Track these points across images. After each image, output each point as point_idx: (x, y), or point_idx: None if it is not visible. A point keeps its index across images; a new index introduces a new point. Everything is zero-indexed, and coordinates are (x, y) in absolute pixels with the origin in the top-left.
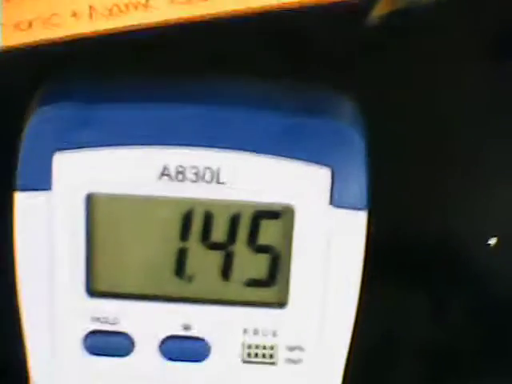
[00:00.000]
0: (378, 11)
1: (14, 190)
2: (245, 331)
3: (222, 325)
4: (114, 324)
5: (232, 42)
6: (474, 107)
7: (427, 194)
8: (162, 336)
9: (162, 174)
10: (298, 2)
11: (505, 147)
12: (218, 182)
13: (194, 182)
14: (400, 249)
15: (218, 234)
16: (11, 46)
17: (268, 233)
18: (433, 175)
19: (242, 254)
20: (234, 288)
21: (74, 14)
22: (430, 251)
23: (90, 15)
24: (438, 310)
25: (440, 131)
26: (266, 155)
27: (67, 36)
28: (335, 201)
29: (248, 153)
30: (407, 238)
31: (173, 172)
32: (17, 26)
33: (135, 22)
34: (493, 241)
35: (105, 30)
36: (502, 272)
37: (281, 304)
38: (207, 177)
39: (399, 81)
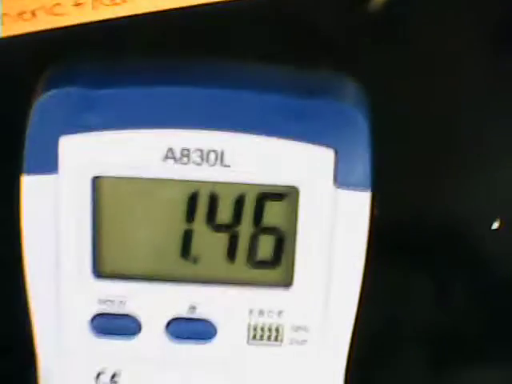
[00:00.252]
0: None
1: (21, 173)
2: (250, 312)
3: (228, 306)
4: (120, 306)
5: (236, 27)
6: (477, 91)
7: (430, 176)
8: (168, 317)
9: (167, 157)
10: None
11: (508, 130)
12: (223, 164)
13: (199, 164)
14: (403, 232)
15: (223, 215)
16: (14, 36)
17: (273, 214)
18: (436, 158)
19: (247, 235)
20: (240, 269)
21: (77, 4)
22: (433, 234)
23: (93, 4)
24: (441, 293)
25: (443, 114)
26: (270, 137)
27: (70, 25)
28: (339, 181)
29: (252, 135)
30: (410, 221)
31: (178, 154)
32: (20, 16)
33: (138, 10)
34: (496, 224)
35: (108, 18)
36: (505, 255)
37: (286, 284)
38: (212, 159)
39: (401, 65)
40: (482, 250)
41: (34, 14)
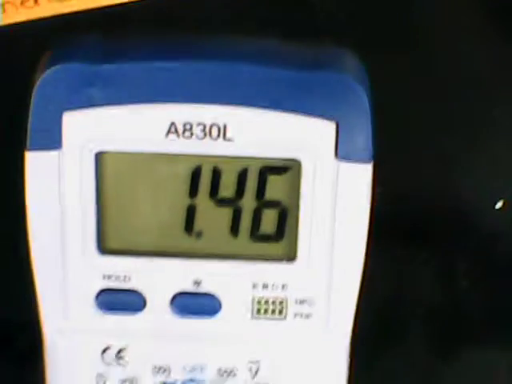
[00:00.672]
0: None
1: (25, 149)
2: (254, 286)
3: (232, 280)
4: (125, 281)
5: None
6: (480, 67)
7: (433, 156)
8: (173, 292)
9: (170, 131)
10: None
11: None
12: (225, 138)
13: (201, 138)
14: (405, 211)
15: (226, 189)
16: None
17: (275, 187)
18: (439, 136)
19: (250, 210)
20: (243, 243)
21: None
22: (437, 214)
23: None
24: (444, 273)
25: (445, 91)
26: (272, 110)
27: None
28: (340, 154)
29: (254, 108)
30: (413, 201)
31: (180, 129)
32: (22, 4)
33: None
34: (499, 204)
35: (110, 4)
36: (509, 235)
37: (289, 258)
38: (214, 133)
39: (401, 38)
40: (487, 230)
41: (36, 1)
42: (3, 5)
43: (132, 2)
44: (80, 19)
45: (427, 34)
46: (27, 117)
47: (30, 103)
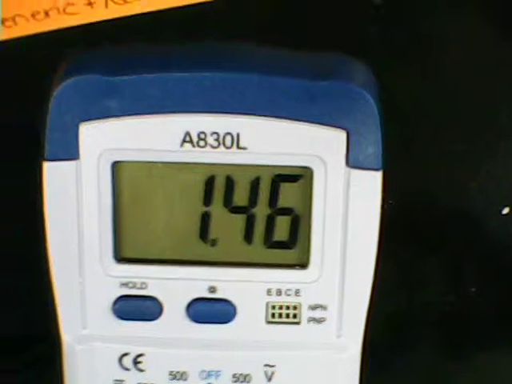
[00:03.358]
0: None
1: (42, 160)
2: (268, 292)
3: (247, 286)
4: (141, 289)
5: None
6: (489, 72)
7: (441, 159)
8: (189, 299)
9: (184, 141)
10: None
11: None
12: (239, 147)
13: (215, 147)
14: (414, 215)
15: (240, 198)
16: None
17: (288, 195)
18: (449, 142)
19: (264, 217)
20: (257, 250)
21: (89, 3)
22: (446, 217)
23: (106, 3)
24: (453, 276)
25: (455, 97)
26: (284, 119)
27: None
28: (351, 162)
29: (266, 117)
30: (421, 204)
31: (195, 138)
32: (33, 16)
33: (151, 8)
34: (506, 210)
35: (120, 16)
36: None
37: (303, 264)
38: (228, 142)
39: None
40: (495, 233)
41: (47, 14)
42: (14, 18)
43: (142, 14)
44: (90, 31)
45: (435, 41)
46: (44, 128)
47: (46, 115)
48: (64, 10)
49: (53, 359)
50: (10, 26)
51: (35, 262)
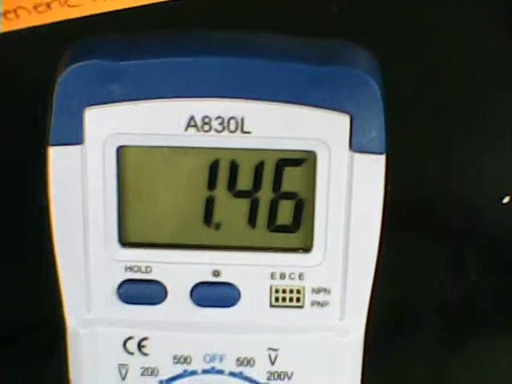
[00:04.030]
0: None
1: (47, 145)
2: (272, 276)
3: (250, 270)
4: (146, 273)
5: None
6: (490, 62)
7: (443, 149)
8: (193, 283)
9: (189, 125)
10: None
11: None
12: (243, 131)
13: (220, 131)
14: (417, 204)
15: (244, 182)
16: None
17: (292, 180)
18: (450, 131)
19: (267, 201)
20: (261, 234)
21: None
22: (448, 207)
23: None
24: (455, 265)
25: (455, 88)
26: (288, 104)
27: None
28: (355, 145)
29: (270, 102)
30: (424, 194)
31: (199, 122)
32: (35, 8)
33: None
34: (506, 199)
35: (122, 8)
36: None
37: (306, 248)
38: (232, 126)
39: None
40: (497, 222)
41: (49, 6)
42: (16, 10)
43: (144, 6)
44: (92, 23)
45: (439, 31)
46: (49, 114)
47: (48, 106)
48: (66, 2)
49: (56, 346)
50: (11, 19)
51: (38, 246)
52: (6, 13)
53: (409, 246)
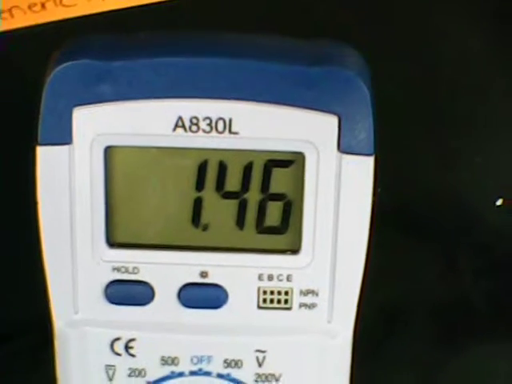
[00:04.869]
0: None
1: (36, 144)
2: (260, 277)
3: (238, 271)
4: (133, 273)
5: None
6: (482, 61)
7: (436, 152)
8: (180, 284)
9: (177, 126)
10: None
11: None
12: (231, 132)
13: (208, 132)
14: (408, 206)
15: (232, 183)
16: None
17: (280, 181)
18: (442, 132)
19: (256, 202)
20: (249, 235)
21: None
22: (440, 208)
23: None
24: (448, 268)
25: (449, 89)
26: (276, 105)
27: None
28: (343, 147)
29: (259, 103)
30: (416, 196)
31: (187, 123)
32: (30, 8)
33: (149, 0)
34: (499, 201)
35: (117, 8)
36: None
37: (294, 250)
38: (220, 127)
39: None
40: (490, 224)
41: (43, 6)
42: (10, 10)
43: (137, 6)
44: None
45: (430, 32)
46: (38, 113)
47: (39, 100)
48: (61, 2)
49: (48, 346)
50: (6, 18)
51: (27, 246)
52: (0, 12)
53: (401, 247)
